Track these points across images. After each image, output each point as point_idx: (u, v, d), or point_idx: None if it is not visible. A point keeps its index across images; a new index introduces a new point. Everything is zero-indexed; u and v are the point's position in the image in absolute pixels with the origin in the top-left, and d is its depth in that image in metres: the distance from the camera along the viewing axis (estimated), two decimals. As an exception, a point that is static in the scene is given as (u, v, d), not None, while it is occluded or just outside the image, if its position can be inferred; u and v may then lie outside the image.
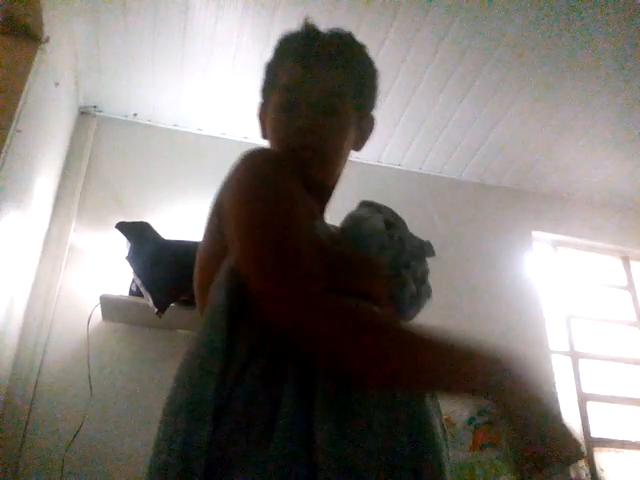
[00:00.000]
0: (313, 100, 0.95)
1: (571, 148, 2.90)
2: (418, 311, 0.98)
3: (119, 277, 2.28)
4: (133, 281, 2.17)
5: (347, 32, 1.02)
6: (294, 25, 2.41)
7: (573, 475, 2.44)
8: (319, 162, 0.96)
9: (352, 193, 3.22)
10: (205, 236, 0.93)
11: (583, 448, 0.69)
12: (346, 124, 0.99)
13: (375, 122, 1.10)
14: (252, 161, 0.87)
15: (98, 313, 2.22)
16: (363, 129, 1.07)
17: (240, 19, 2.26)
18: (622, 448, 2.69)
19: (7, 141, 1.68)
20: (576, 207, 3.22)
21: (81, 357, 2.16)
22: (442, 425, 0.79)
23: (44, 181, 2.24)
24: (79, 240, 2.41)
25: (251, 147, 0.90)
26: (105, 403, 2.12)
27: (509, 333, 2.69)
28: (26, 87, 1.78)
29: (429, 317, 2.95)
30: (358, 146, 1.08)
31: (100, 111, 2.72)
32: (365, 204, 1.07)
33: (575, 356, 2.86)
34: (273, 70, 1.03)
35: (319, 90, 0.96)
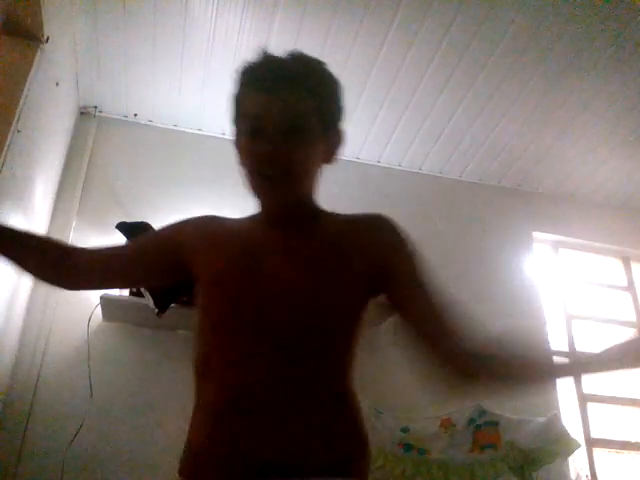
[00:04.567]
0: (276, 123, 0.99)
1: (571, 148, 2.90)
2: None
3: (119, 277, 2.28)
4: (133, 281, 2.17)
5: (305, 54, 1.06)
6: (294, 25, 2.41)
7: (573, 475, 2.44)
8: (287, 183, 1.02)
9: (353, 193, 3.23)
10: None
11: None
12: (311, 141, 1.02)
13: (343, 135, 1.11)
14: None
15: (98, 313, 2.22)
16: (332, 143, 1.09)
17: (240, 19, 2.26)
18: (622, 449, 2.69)
19: (7, 141, 1.68)
20: (576, 207, 3.22)
21: (81, 357, 2.16)
22: None
23: (44, 181, 2.24)
24: (79, 240, 2.40)
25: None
26: (105, 403, 2.12)
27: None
28: (26, 87, 1.78)
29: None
30: (329, 159, 1.10)
31: (100, 111, 2.72)
32: None
33: (576, 357, 2.86)
34: (238, 101, 1.07)
35: (281, 112, 0.99)
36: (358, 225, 1.09)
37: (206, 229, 1.13)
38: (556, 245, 3.18)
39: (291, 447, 0.89)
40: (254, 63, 1.07)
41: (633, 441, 2.71)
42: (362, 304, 1.04)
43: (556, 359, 1.02)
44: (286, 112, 0.99)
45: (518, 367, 1.00)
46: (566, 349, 2.87)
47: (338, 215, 1.12)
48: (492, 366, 0.99)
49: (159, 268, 1.17)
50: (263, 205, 1.09)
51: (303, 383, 0.94)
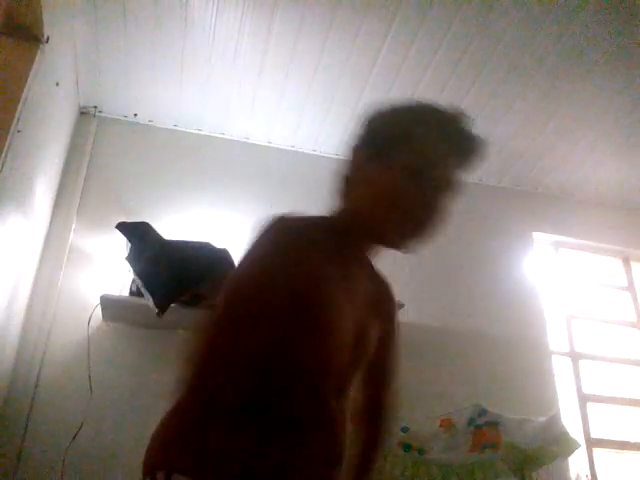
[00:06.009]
0: (450, 180, 1.17)
1: (571, 149, 2.90)
2: None
3: (119, 277, 2.28)
4: (133, 281, 2.17)
5: None
6: (294, 26, 2.40)
7: (573, 475, 2.44)
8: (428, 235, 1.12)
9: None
10: None
11: None
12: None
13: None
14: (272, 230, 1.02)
15: (98, 313, 2.22)
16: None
17: (240, 19, 2.26)
18: (622, 449, 2.69)
19: (7, 141, 1.68)
20: (576, 207, 3.22)
21: (81, 357, 2.16)
22: None
23: (44, 181, 2.24)
24: (79, 240, 2.41)
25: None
26: (105, 403, 2.12)
27: (510, 334, 2.69)
28: (26, 87, 1.78)
29: (429, 317, 2.92)
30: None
31: (100, 111, 2.72)
32: None
33: (575, 357, 2.86)
34: (420, 140, 1.12)
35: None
36: (384, 284, 1.22)
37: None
38: (556, 245, 3.18)
39: None
40: (464, 126, 1.14)
41: (633, 441, 2.71)
42: None
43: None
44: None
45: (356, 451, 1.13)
46: (566, 349, 2.87)
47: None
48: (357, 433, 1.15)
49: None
50: (387, 244, 1.11)
51: None
